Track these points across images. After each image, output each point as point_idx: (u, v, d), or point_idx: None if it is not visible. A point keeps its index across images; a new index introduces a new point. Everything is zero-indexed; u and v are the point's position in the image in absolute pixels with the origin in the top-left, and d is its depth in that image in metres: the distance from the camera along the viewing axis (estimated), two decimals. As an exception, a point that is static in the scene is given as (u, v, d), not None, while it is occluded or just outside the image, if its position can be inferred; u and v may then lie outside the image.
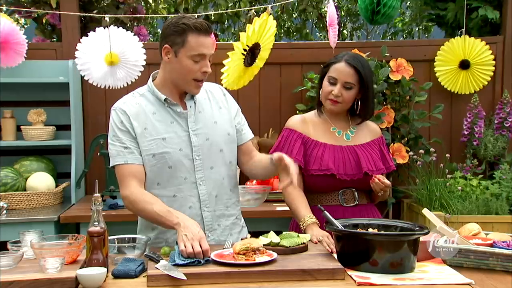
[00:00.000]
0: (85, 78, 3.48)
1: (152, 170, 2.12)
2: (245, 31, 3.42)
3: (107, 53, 3.40)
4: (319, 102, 2.46)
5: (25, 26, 5.42)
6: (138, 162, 2.10)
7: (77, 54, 3.43)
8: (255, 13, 3.54)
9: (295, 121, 2.47)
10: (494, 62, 3.95)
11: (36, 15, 4.09)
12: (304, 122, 2.44)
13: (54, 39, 4.19)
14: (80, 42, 3.43)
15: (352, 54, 2.39)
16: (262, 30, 3.44)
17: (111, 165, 2.13)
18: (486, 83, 3.98)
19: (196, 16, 2.15)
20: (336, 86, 2.34)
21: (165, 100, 2.13)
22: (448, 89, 3.99)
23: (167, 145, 2.10)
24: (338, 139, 2.41)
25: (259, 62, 3.58)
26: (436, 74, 3.99)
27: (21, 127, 3.69)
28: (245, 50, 3.41)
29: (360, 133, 2.45)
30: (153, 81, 2.20)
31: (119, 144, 2.10)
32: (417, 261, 1.89)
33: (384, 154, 2.46)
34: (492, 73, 3.97)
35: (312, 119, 2.46)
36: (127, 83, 3.50)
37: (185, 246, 1.85)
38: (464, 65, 3.96)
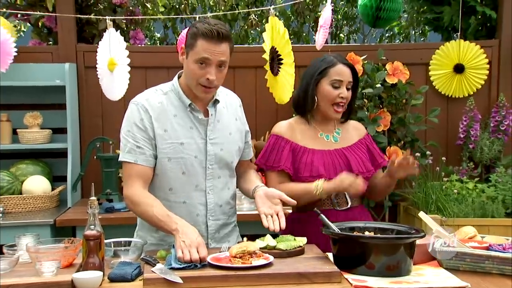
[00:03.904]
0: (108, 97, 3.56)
1: (165, 173, 2.10)
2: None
3: (109, 58, 3.42)
4: (305, 109, 2.38)
5: (21, 33, 5.41)
6: (147, 164, 2.08)
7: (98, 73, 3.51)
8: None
9: (282, 127, 2.41)
10: (488, 66, 3.97)
11: (34, 18, 4.09)
12: (292, 128, 2.39)
13: (51, 42, 4.19)
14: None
15: (337, 55, 2.40)
16: (272, 33, 3.47)
17: (119, 159, 2.10)
18: (479, 86, 4.00)
19: (206, 17, 2.13)
20: (342, 89, 2.32)
21: (189, 105, 2.11)
22: (442, 92, 4.01)
23: (184, 150, 2.09)
24: (326, 143, 2.39)
25: (288, 69, 3.58)
26: (431, 78, 4.01)
27: (17, 130, 3.68)
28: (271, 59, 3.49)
29: (346, 133, 2.44)
30: (178, 79, 2.16)
31: (132, 141, 2.07)
32: (414, 264, 1.89)
33: (372, 153, 2.45)
34: (485, 77, 3.99)
35: (299, 125, 2.41)
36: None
37: (182, 253, 1.84)
38: (459, 69, 3.98)
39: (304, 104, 2.38)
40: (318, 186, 2.24)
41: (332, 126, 2.43)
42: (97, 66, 3.61)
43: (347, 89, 2.33)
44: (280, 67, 3.58)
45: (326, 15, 3.50)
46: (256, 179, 2.27)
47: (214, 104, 2.16)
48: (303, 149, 2.35)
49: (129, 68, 3.49)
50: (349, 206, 2.36)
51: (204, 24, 2.01)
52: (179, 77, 2.17)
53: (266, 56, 3.52)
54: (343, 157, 2.36)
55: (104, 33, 3.59)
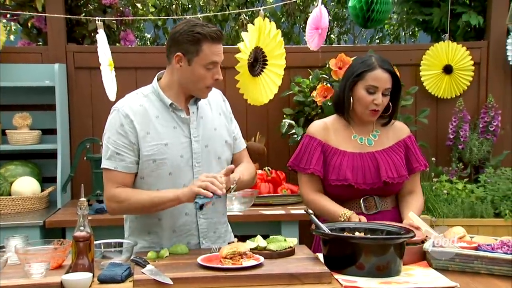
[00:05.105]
0: (108, 94, 3.54)
1: (151, 175, 2.09)
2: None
3: (110, 59, 3.43)
4: (343, 109, 2.33)
5: (11, 34, 5.40)
6: (127, 171, 2.08)
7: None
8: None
9: (316, 128, 2.37)
10: (473, 67, 4.00)
11: (23, 18, 4.06)
12: (326, 129, 2.35)
13: (40, 43, 4.17)
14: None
15: (380, 58, 2.30)
16: (259, 34, 3.46)
17: (101, 166, 2.10)
18: (466, 88, 4.03)
19: (192, 19, 2.13)
20: (377, 95, 2.24)
21: (170, 104, 2.11)
22: (432, 93, 4.03)
23: (169, 151, 2.08)
24: (359, 146, 2.32)
25: (275, 69, 3.56)
26: (422, 79, 4.03)
27: (6, 131, 3.66)
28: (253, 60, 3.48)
29: (384, 136, 2.36)
30: (157, 81, 2.16)
31: (112, 148, 2.07)
32: (403, 265, 1.89)
33: (408, 157, 2.36)
34: (471, 79, 4.02)
35: (334, 125, 2.36)
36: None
37: (201, 185, 1.92)
38: (448, 69, 4.00)
39: (342, 104, 2.34)
40: (346, 215, 2.21)
41: (370, 128, 2.36)
42: (102, 67, 3.60)
43: (384, 95, 2.25)
44: (264, 68, 3.57)
45: (317, 15, 3.50)
46: (238, 168, 2.21)
47: (195, 102, 2.16)
48: (334, 150, 2.31)
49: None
50: (378, 210, 2.32)
51: (203, 28, 2.02)
52: (158, 79, 2.17)
53: (244, 55, 3.50)
54: (373, 161, 2.29)
55: (94, 34, 3.58)
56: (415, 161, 2.37)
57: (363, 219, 2.20)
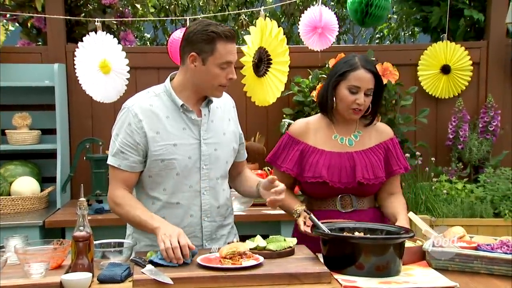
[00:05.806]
0: (92, 96, 3.52)
1: (160, 174, 2.10)
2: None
3: (101, 61, 3.40)
4: (326, 108, 2.34)
5: (9, 31, 5.38)
6: (130, 170, 2.09)
7: (77, 68, 3.47)
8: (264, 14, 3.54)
9: (296, 127, 2.39)
10: (471, 68, 4.00)
11: (22, 18, 4.06)
12: (306, 128, 2.36)
13: (40, 43, 4.17)
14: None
15: (363, 58, 2.30)
16: (261, 35, 3.46)
17: (107, 161, 2.12)
18: (464, 88, 4.03)
19: (185, 20, 2.14)
20: (360, 95, 2.25)
21: (181, 105, 2.10)
22: (430, 93, 4.03)
23: (177, 151, 2.08)
24: (338, 145, 2.33)
25: (280, 67, 3.56)
26: (419, 78, 4.03)
27: (6, 131, 3.66)
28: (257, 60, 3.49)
29: (366, 137, 2.36)
30: (170, 81, 2.15)
31: (118, 146, 2.08)
32: (403, 265, 1.90)
33: (388, 159, 2.35)
34: (469, 79, 4.02)
35: (316, 124, 2.37)
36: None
37: (164, 244, 1.85)
38: (446, 69, 4.00)
39: (325, 104, 2.34)
40: (297, 211, 2.24)
41: (352, 128, 2.36)
42: (78, 67, 3.53)
43: (366, 95, 2.26)
44: (268, 69, 3.58)
45: (310, 15, 3.50)
46: (256, 177, 2.28)
47: (207, 104, 2.16)
48: (312, 149, 2.32)
49: (128, 68, 3.49)
50: (353, 209, 2.32)
51: (217, 27, 2.03)
52: (171, 79, 2.16)
53: (249, 58, 3.51)
54: (351, 161, 2.29)
55: (91, 34, 3.57)
56: (395, 163, 2.36)
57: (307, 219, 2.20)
